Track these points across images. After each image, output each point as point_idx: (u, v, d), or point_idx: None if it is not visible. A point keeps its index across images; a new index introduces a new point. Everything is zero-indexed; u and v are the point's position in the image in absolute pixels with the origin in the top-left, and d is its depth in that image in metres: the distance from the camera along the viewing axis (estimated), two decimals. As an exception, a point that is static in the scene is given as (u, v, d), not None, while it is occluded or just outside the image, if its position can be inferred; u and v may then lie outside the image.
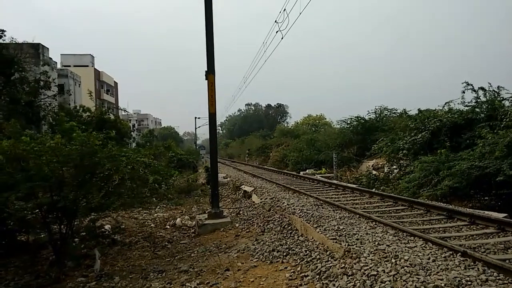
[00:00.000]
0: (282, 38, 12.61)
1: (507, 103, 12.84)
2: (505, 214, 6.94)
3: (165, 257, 7.45)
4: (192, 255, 7.29)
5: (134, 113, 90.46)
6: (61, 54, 47.73)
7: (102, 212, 8.39)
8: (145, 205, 10.46)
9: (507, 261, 4.34)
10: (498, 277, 3.92)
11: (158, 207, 12.93)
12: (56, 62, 32.21)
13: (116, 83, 58.27)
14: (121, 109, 42.21)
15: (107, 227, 9.32)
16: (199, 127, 63.99)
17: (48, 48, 27.69)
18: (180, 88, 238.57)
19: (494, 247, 5.16)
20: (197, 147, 52.09)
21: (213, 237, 8.55)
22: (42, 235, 7.40)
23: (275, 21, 11.95)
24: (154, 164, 9.65)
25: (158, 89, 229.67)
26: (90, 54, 51.24)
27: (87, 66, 48.86)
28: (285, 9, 11.22)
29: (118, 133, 20.65)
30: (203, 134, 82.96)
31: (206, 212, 10.22)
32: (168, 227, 10.31)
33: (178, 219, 10.69)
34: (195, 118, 56.39)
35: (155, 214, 11.95)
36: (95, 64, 51.36)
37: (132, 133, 31.47)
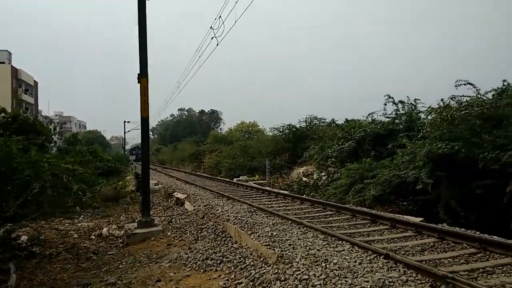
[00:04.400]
0: (217, 44, 12.64)
1: (422, 116, 14.10)
2: (422, 218, 7.57)
3: (90, 269, 6.98)
4: (120, 266, 6.93)
5: (56, 115, 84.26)
6: (-29, 48, 43.10)
7: (19, 222, 7.65)
8: (68, 214, 9.76)
9: (424, 262, 4.73)
10: (416, 278, 4.25)
11: (82, 216, 12.11)
12: (-35, 56, 28.97)
13: (36, 83, 53.95)
14: (42, 115, 38.97)
15: (23, 238, 8.54)
16: (128, 131, 61.34)
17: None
18: (109, 90, 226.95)
19: (413, 249, 5.59)
20: (129, 152, 49.79)
21: (144, 247, 8.21)
22: None
23: (211, 27, 11.96)
24: (79, 171, 9.07)
25: (83, 89, 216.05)
26: (6, 50, 46.88)
27: (3, 63, 44.61)
28: (220, 16, 11.28)
29: (38, 137, 19.08)
30: (133, 138, 79.94)
31: (136, 220, 9.79)
32: (94, 237, 9.68)
33: (105, 229, 10.08)
34: (124, 122, 54.07)
35: (79, 224, 11.17)
36: (13, 61, 47.07)
37: (53, 136, 29.24)
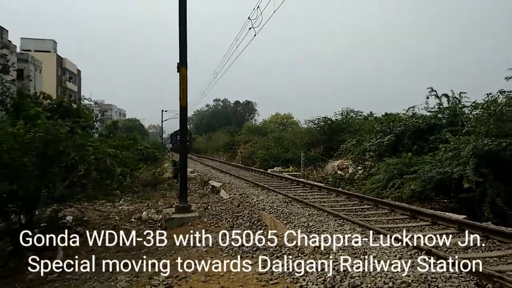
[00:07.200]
0: (255, 35, 12.58)
1: (466, 110, 13.46)
2: (465, 216, 7.27)
3: (131, 250, 7.28)
4: (159, 249, 7.16)
5: (97, 103, 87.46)
6: (21, 38, 45.20)
7: (65, 203, 8.06)
8: (110, 197, 10.18)
9: (468, 259, 4.56)
10: (460, 275, 4.10)
11: (122, 199, 12.59)
12: (16, 46, 30.54)
13: (79, 71, 56.12)
14: (85, 99, 40.53)
15: (69, 218, 8.99)
16: (165, 120, 62.76)
17: (7, 31, 26.28)
18: (148, 79, 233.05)
19: (456, 246, 5.40)
20: (169, 137, 50.79)
21: (181, 231, 8.43)
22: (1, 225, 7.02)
23: (248, 17, 11.91)
24: (122, 156, 9.41)
25: (123, 79, 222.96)
26: (52, 40, 48.98)
27: (49, 51, 46.64)
28: (258, 7, 11.20)
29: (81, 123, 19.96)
30: (170, 128, 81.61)
31: (173, 206, 10.06)
32: (134, 220, 10.07)
33: (144, 213, 10.46)
34: (162, 111, 55.32)
35: (120, 207, 11.63)
36: (58, 50, 49.13)
37: (95, 123, 30.45)
